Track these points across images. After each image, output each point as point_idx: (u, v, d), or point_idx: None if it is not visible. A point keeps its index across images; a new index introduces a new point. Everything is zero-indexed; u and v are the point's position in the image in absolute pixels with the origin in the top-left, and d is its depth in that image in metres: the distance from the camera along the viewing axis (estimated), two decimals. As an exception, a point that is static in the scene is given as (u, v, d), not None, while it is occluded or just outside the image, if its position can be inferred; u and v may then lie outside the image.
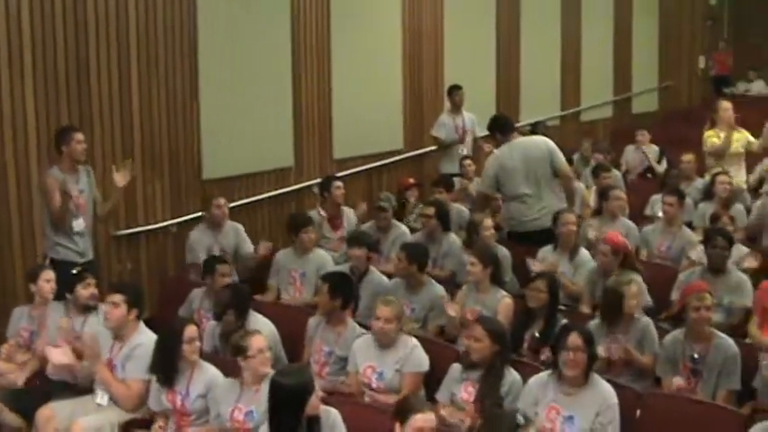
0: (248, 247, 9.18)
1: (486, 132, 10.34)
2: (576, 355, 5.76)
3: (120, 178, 8.15)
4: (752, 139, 11.15)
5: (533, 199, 9.26)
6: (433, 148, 12.70)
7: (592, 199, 10.58)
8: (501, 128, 9.63)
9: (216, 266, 7.88)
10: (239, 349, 5.93)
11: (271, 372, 5.81)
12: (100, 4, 8.80)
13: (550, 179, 9.36)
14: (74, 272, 7.28)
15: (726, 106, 11.32)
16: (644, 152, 13.39)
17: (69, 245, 7.95)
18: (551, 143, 9.55)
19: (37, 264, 7.86)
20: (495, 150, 9.59)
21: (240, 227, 9.25)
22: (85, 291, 7.10)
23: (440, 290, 7.89)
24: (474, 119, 12.43)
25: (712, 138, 11.14)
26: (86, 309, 7.13)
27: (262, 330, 6.84)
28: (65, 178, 7.78)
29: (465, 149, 12.26)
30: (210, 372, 6.19)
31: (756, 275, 8.21)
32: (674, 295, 7.91)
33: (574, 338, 5.79)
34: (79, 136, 7.97)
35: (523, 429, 4.91)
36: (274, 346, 6.91)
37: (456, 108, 12.39)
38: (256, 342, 5.92)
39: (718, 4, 21.22)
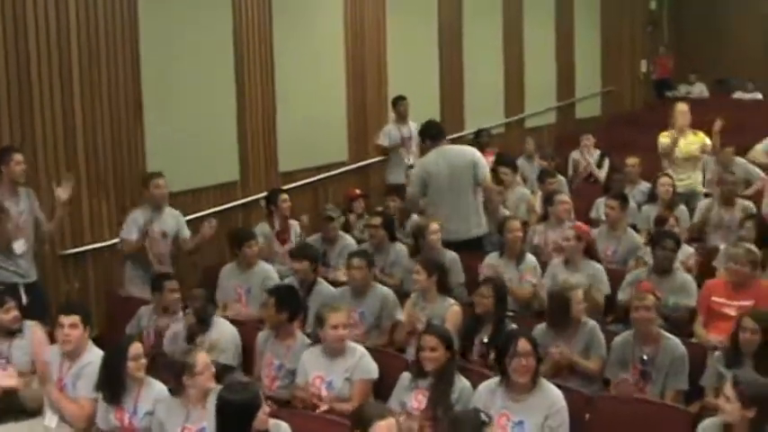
0: (187, 232, 9.17)
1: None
2: (528, 360, 5.78)
3: (63, 192, 8.09)
4: (708, 141, 11.19)
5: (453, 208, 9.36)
6: (377, 159, 12.75)
7: (538, 205, 10.63)
8: (431, 134, 9.74)
9: (164, 283, 7.84)
10: (185, 366, 5.89)
11: (215, 387, 5.78)
12: (40, 22, 8.71)
13: (472, 188, 9.46)
14: None
15: (681, 109, 11.41)
16: (585, 158, 13.46)
17: (10, 267, 7.88)
18: (478, 154, 9.72)
19: None
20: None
21: (179, 213, 9.22)
22: (7, 315, 6.87)
23: (386, 290, 7.98)
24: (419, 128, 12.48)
25: (665, 138, 11.23)
26: (10, 333, 6.92)
27: (225, 333, 7.15)
28: (2, 199, 7.72)
29: (411, 158, 12.29)
30: (158, 388, 6.14)
31: (700, 276, 8.36)
32: (621, 296, 8.01)
33: (523, 344, 5.81)
34: (18, 157, 7.89)
35: (487, 427, 4.92)
36: (234, 349, 7.17)
37: (401, 118, 12.47)
38: (202, 358, 5.89)
39: (658, 9, 21.42)
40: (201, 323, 7.35)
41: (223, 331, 7.37)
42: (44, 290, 8.27)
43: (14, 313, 6.91)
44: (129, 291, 8.91)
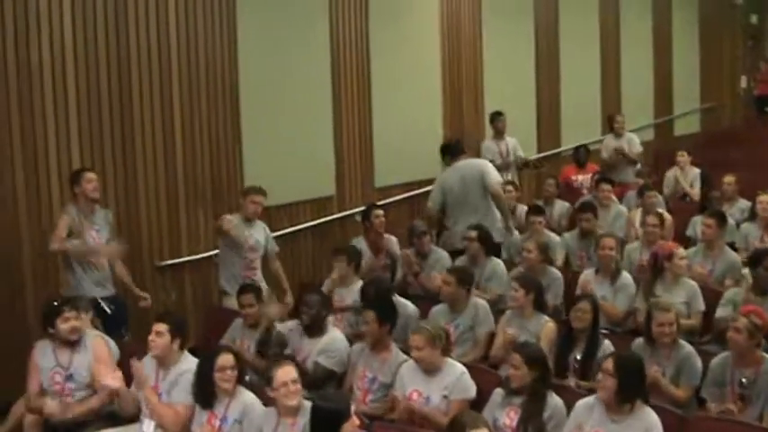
0: (275, 246, 9.30)
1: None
2: (607, 380, 5.75)
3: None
4: None
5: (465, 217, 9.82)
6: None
7: (637, 220, 10.52)
8: (451, 152, 10.38)
9: (240, 297, 7.93)
10: (267, 380, 6.00)
11: (304, 404, 5.86)
12: (142, 45, 8.95)
13: (483, 196, 9.97)
14: (54, 304, 7.05)
15: None
16: (676, 177, 13.25)
17: (87, 280, 8.06)
18: (487, 164, 10.37)
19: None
20: None
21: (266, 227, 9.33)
22: (65, 325, 6.87)
23: (481, 302, 8.03)
24: (517, 144, 12.57)
25: None
26: (70, 343, 6.93)
27: (336, 339, 7.32)
28: (81, 217, 7.97)
29: (509, 174, 12.30)
30: (247, 398, 6.24)
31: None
32: (718, 314, 7.90)
33: (607, 363, 5.81)
34: (90, 176, 8.06)
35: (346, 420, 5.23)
36: (341, 355, 7.33)
37: (499, 134, 12.48)
38: (282, 375, 5.93)
39: (758, 23, 21.14)
40: (315, 329, 7.45)
41: (335, 337, 7.46)
42: (125, 302, 8.40)
43: (73, 323, 6.89)
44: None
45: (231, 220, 8.73)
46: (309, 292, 7.87)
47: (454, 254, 9.57)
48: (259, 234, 9.11)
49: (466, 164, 10.29)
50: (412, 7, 12.24)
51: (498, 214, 10.09)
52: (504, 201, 10.25)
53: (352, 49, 11.16)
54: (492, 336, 7.82)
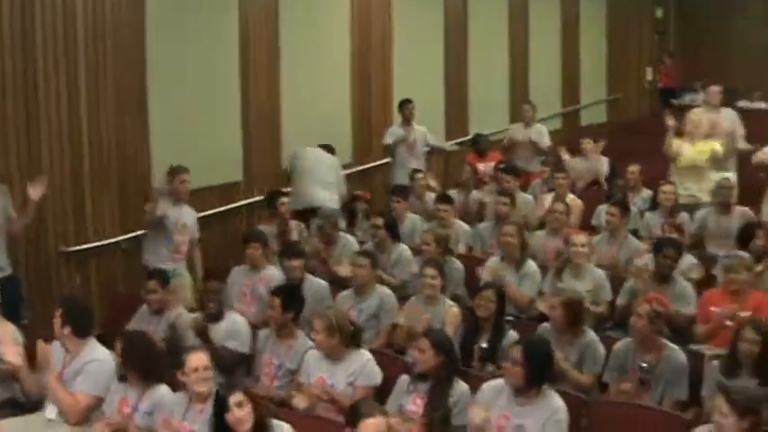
0: (197, 233, 9.35)
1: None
2: (514, 367, 5.82)
3: (34, 192, 8.12)
4: (718, 148, 11.03)
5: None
6: (381, 161, 12.83)
7: (547, 205, 10.57)
8: None
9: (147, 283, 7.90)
10: (178, 365, 5.96)
11: (207, 391, 5.85)
12: (48, 17, 8.75)
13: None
14: None
15: (693, 117, 11.40)
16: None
17: None
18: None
19: None
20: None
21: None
22: None
23: (387, 291, 8.07)
24: (426, 131, 12.59)
25: (672, 144, 11.08)
26: None
27: (237, 322, 7.35)
28: None
29: (416, 162, 12.35)
30: (161, 391, 6.17)
31: (700, 284, 8.38)
32: (620, 301, 8.05)
33: (514, 351, 5.87)
34: None
35: None
36: (246, 335, 7.37)
37: (407, 121, 12.48)
38: (193, 360, 5.90)
39: (664, 17, 21.45)
40: (214, 317, 7.41)
41: (235, 320, 7.47)
42: (20, 283, 8.28)
43: None
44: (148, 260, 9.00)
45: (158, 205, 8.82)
46: (213, 279, 7.83)
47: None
48: (188, 217, 9.10)
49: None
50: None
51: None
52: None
53: (263, 35, 11.09)
54: (395, 326, 7.84)
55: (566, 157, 13.09)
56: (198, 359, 5.91)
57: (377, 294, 8.00)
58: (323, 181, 10.77)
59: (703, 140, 11.04)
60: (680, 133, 11.19)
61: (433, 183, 11.95)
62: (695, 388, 6.60)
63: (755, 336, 6.29)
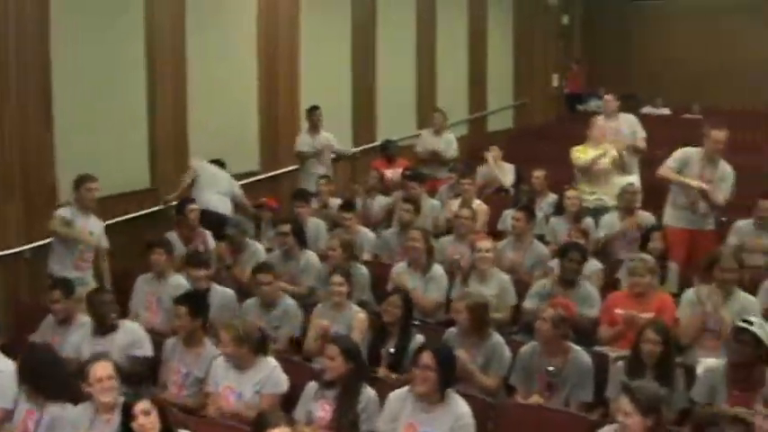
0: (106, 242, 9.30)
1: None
2: (425, 373, 5.83)
3: None
4: (615, 153, 11.21)
5: None
6: (290, 168, 12.82)
7: (454, 210, 10.62)
8: None
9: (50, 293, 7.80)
10: (83, 376, 5.90)
11: (119, 401, 5.78)
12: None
13: None
14: None
15: (599, 124, 11.60)
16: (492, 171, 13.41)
17: None
18: None
19: None
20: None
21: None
22: None
23: (291, 303, 8.04)
24: (332, 138, 12.63)
25: (577, 152, 11.24)
26: None
27: (135, 330, 7.36)
28: None
29: (324, 169, 12.38)
30: (59, 407, 6.09)
31: (605, 287, 8.52)
32: (527, 304, 8.15)
33: (425, 357, 5.87)
34: None
35: None
36: (147, 340, 7.33)
37: (314, 128, 12.49)
38: (97, 370, 5.86)
39: (569, 24, 21.73)
40: (108, 327, 7.32)
41: (132, 328, 7.43)
42: None
43: None
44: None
45: (61, 219, 8.74)
46: (100, 292, 7.74)
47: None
48: (95, 226, 9.00)
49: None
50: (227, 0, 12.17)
51: None
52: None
53: (168, 42, 10.96)
54: (292, 338, 7.89)
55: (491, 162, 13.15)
56: (102, 369, 5.86)
57: (282, 305, 7.98)
58: (220, 191, 10.81)
59: (606, 146, 11.20)
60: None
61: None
62: (600, 389, 6.69)
63: (656, 336, 6.42)
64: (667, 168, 9.79)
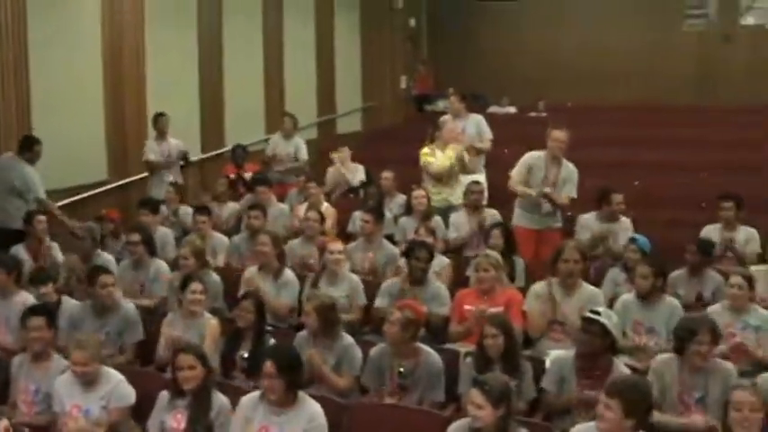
0: None
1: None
2: (270, 381, 5.84)
3: None
4: (463, 153, 11.41)
5: None
6: (138, 176, 12.69)
7: (301, 215, 10.63)
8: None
9: None
10: None
11: None
12: None
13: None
14: None
15: (448, 124, 11.78)
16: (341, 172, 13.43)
17: None
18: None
19: None
20: None
21: None
22: None
23: (131, 309, 7.93)
24: (181, 145, 12.56)
25: (427, 156, 11.39)
26: None
27: None
28: None
29: (172, 176, 12.31)
30: None
31: (455, 285, 8.65)
32: (378, 303, 8.25)
33: (268, 366, 5.86)
34: None
35: None
36: None
37: (162, 135, 12.40)
38: None
39: (416, 26, 21.97)
40: None
41: None
42: None
43: None
44: None
45: None
46: None
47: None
48: None
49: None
50: (70, 6, 11.93)
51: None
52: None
53: (8, 48, 10.70)
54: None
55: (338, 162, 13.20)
56: None
57: (122, 310, 7.88)
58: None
59: (451, 146, 11.38)
60: (432, 140, 11.55)
61: None
62: (453, 385, 6.81)
63: (495, 330, 6.58)
64: (514, 182, 10.14)
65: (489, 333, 6.58)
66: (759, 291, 8.12)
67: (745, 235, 9.79)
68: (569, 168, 10.09)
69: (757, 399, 5.15)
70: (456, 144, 11.41)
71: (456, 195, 11.10)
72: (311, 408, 5.91)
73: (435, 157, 11.30)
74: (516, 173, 10.17)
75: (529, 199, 10.10)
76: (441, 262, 9.05)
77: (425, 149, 11.48)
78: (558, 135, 9.89)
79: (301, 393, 5.97)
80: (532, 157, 10.16)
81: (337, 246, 8.70)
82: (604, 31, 21.68)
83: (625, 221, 9.92)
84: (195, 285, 7.67)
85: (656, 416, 6.06)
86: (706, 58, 21.26)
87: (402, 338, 6.77)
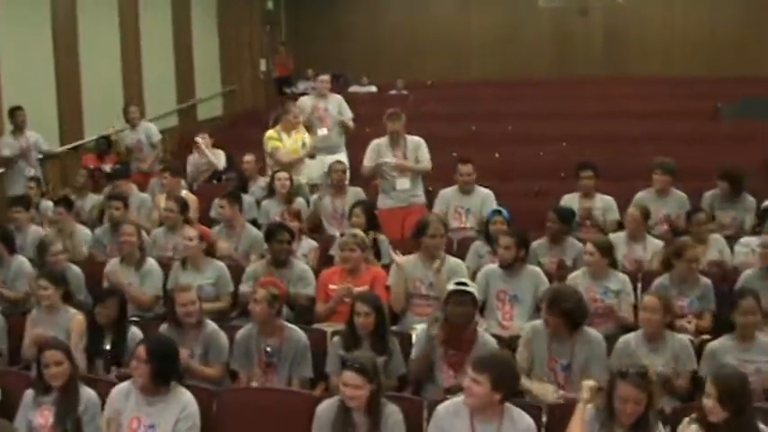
0: None
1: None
2: (139, 367, 5.85)
3: None
4: (307, 139, 11.62)
5: None
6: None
7: (162, 205, 10.52)
8: None
9: None
10: None
11: None
12: None
13: None
14: None
15: (295, 111, 11.81)
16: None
17: None
18: None
19: None
20: None
21: None
22: None
23: None
24: (39, 138, 12.41)
25: (275, 141, 11.46)
26: None
27: None
28: None
29: (32, 170, 12.11)
30: None
31: (320, 264, 8.73)
32: (243, 288, 8.25)
33: (139, 351, 5.89)
34: None
35: None
36: None
37: (19, 129, 12.19)
38: None
39: (275, 9, 21.94)
40: None
41: None
42: None
43: None
44: None
45: None
46: None
47: None
48: None
49: None
50: None
51: None
52: None
53: None
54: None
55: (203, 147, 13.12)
56: None
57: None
58: None
59: (295, 133, 11.54)
60: (275, 123, 11.64)
61: None
62: (321, 365, 6.88)
63: (366, 308, 6.66)
64: (365, 167, 10.32)
65: (361, 311, 6.66)
66: (619, 257, 8.37)
67: (603, 203, 10.09)
68: (414, 140, 10.41)
69: (642, 392, 5.31)
70: (302, 127, 11.62)
71: (303, 175, 11.36)
72: (183, 397, 5.94)
73: (282, 142, 11.36)
74: (367, 159, 10.40)
75: (386, 176, 10.31)
76: (309, 244, 9.10)
77: (271, 132, 11.56)
78: (390, 126, 10.30)
79: (174, 383, 5.97)
80: (376, 143, 10.47)
81: (192, 232, 8.65)
82: (463, 8, 22.00)
83: (484, 192, 10.10)
84: (42, 281, 7.58)
85: (525, 382, 6.33)
86: (563, 32, 21.71)
87: (269, 315, 6.83)
